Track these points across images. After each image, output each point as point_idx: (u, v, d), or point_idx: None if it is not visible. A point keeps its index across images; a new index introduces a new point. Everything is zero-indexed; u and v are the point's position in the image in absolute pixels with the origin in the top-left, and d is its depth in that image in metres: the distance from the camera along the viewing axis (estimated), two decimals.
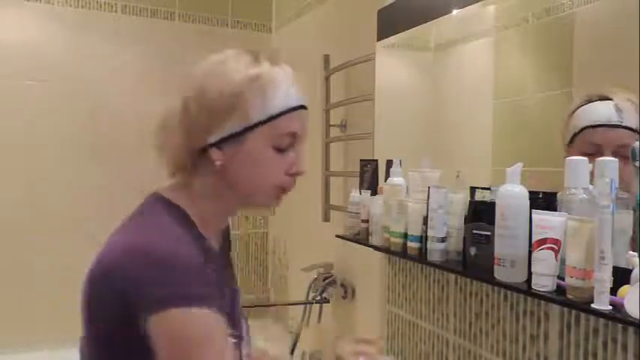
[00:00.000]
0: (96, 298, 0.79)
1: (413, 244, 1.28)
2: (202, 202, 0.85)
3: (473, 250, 1.09)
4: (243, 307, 1.01)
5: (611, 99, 0.99)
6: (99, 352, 0.81)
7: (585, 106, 1.04)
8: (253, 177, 0.84)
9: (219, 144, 0.81)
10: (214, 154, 0.81)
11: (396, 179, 1.37)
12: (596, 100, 1.02)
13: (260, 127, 0.81)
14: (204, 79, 0.81)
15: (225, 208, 0.88)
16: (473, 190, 1.16)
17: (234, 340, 0.85)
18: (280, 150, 0.84)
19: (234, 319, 0.89)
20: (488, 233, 1.05)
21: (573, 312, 0.99)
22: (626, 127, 0.97)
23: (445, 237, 1.20)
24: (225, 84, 0.80)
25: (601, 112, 1.00)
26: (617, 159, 0.86)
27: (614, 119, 0.98)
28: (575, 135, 1.04)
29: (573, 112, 1.06)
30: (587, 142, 0.99)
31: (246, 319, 0.99)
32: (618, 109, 0.98)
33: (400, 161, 1.39)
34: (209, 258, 0.82)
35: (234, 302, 0.94)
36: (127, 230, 0.81)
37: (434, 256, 1.20)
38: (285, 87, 0.82)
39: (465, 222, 1.14)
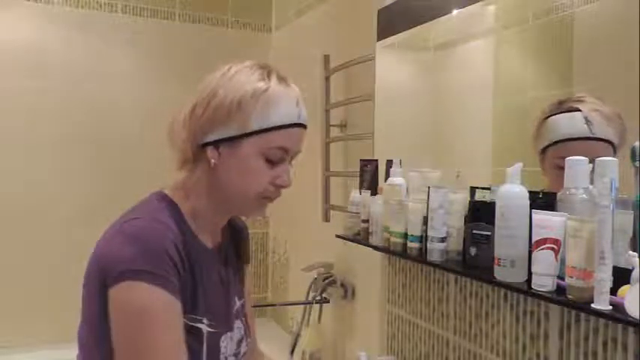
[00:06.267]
0: (87, 281, 0.85)
1: (413, 244, 1.28)
2: (194, 197, 0.92)
3: (473, 250, 1.09)
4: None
5: (579, 109, 1.00)
6: (90, 339, 0.85)
7: (555, 117, 1.05)
8: (240, 181, 0.90)
9: (217, 144, 0.88)
10: (210, 152, 0.88)
11: (396, 179, 1.37)
12: (565, 111, 1.03)
13: (254, 136, 0.87)
14: (217, 82, 0.89)
15: (214, 207, 0.93)
16: (473, 190, 1.16)
17: (210, 330, 0.89)
18: (270, 162, 0.89)
19: (219, 313, 0.93)
20: (489, 233, 1.05)
21: (573, 312, 0.99)
22: (598, 139, 0.98)
23: (445, 237, 1.20)
24: (233, 91, 0.87)
25: (572, 125, 1.01)
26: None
27: (586, 132, 0.99)
28: (547, 146, 1.05)
29: (544, 119, 1.06)
30: (560, 155, 0.98)
31: (243, 321, 1.01)
32: (588, 122, 0.99)
33: (400, 161, 1.39)
34: (192, 249, 0.87)
35: (227, 298, 0.98)
36: (120, 217, 0.88)
37: (434, 256, 1.20)
38: (285, 105, 0.88)
39: (465, 222, 1.14)
